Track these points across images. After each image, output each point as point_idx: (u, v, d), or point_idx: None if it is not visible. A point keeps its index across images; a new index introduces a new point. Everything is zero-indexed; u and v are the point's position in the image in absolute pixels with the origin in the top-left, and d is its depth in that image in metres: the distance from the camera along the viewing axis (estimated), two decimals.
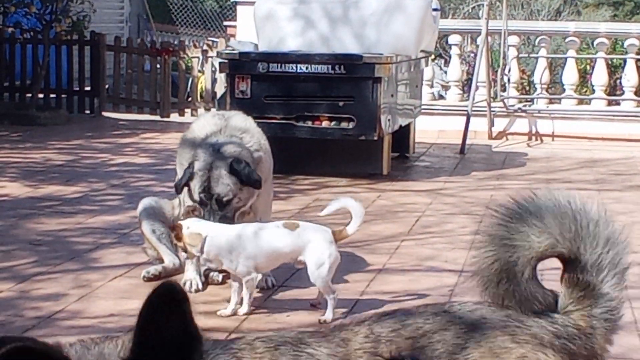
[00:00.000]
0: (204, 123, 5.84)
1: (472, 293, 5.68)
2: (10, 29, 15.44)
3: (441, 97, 14.76)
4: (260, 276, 5.45)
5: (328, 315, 5.18)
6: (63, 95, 15.29)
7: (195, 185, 5.58)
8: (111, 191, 8.46)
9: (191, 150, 5.69)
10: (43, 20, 14.28)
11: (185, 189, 5.64)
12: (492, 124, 12.98)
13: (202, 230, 5.17)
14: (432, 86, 14.22)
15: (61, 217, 7.46)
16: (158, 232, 5.98)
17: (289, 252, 5.25)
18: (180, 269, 5.86)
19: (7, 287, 5.61)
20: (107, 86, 15.46)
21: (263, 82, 9.31)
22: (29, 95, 14.67)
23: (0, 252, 6.39)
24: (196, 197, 5.59)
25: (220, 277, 5.82)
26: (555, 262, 2.58)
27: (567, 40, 13.85)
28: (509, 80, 13.53)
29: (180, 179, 5.69)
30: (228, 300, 5.46)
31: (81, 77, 15.25)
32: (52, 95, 15.24)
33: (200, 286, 5.64)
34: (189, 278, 5.66)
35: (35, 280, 5.75)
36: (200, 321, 4.95)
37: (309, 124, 9.32)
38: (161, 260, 5.95)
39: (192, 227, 5.19)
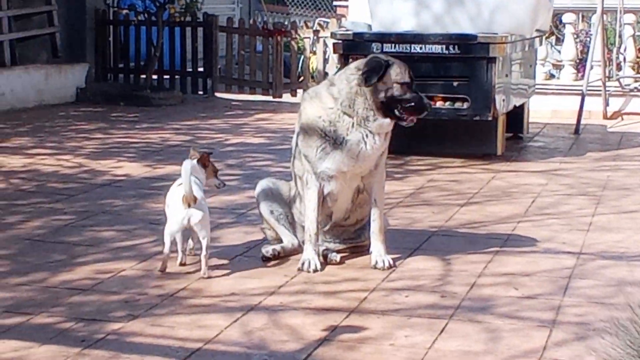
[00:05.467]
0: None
1: (591, 275, 5.69)
2: (124, 11, 15.72)
3: (552, 76, 14.57)
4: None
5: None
6: (176, 76, 15.50)
7: (402, 68, 5.68)
8: (228, 171, 8.55)
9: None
10: (157, 2, 14.49)
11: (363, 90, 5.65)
12: (607, 103, 12.77)
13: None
14: (543, 65, 14.04)
15: None
16: (276, 213, 6.05)
17: None
18: (298, 249, 5.92)
19: (130, 266, 5.73)
20: (219, 67, 15.63)
21: None
22: (143, 76, 14.90)
23: (122, 231, 6.53)
24: (406, 77, 5.65)
25: (338, 257, 5.87)
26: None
27: None
28: (624, 59, 13.29)
29: (370, 70, 5.60)
30: (347, 280, 5.51)
31: (194, 58, 15.44)
32: (165, 77, 15.46)
33: (318, 266, 5.68)
34: (307, 258, 5.71)
35: (157, 259, 5.84)
36: (320, 301, 5.07)
37: None
38: (279, 241, 6.02)
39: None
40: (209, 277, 5.48)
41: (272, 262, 5.84)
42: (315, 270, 5.65)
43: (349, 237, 6.06)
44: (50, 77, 13.86)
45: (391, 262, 5.77)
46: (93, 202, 7.46)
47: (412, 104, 5.69)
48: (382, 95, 5.63)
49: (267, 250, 5.92)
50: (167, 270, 5.62)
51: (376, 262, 5.74)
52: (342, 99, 5.65)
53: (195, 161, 5.70)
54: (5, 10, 13.57)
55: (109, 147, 10.10)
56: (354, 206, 5.90)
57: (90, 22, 15.04)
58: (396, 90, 5.64)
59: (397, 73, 5.65)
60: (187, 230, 5.62)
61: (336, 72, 9.82)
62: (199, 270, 5.56)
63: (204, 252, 5.51)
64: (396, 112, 5.68)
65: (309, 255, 5.72)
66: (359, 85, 5.63)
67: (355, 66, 5.74)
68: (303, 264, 5.69)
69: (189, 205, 5.44)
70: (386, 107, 5.65)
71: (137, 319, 4.83)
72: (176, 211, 5.49)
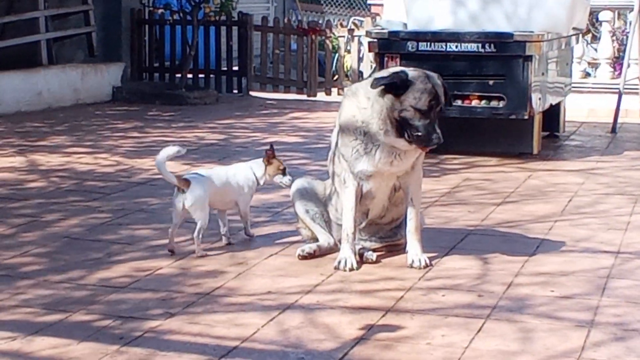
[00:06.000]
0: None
1: (630, 275, 5.64)
2: (160, 11, 15.77)
3: (588, 74, 14.49)
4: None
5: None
6: (211, 75, 15.55)
7: (424, 95, 5.46)
8: None
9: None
10: (192, 1, 14.52)
11: (378, 101, 5.53)
12: None
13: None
14: (580, 64, 13.97)
15: None
16: (312, 212, 6.05)
17: None
18: (334, 248, 5.92)
19: (167, 264, 5.75)
20: (254, 66, 15.66)
21: (412, 61, 9.23)
22: (178, 75, 14.95)
23: (159, 229, 6.54)
24: (422, 105, 5.45)
25: (374, 256, 5.86)
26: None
27: None
28: None
29: (386, 81, 5.48)
30: (383, 279, 5.50)
31: (229, 57, 15.47)
32: (200, 76, 15.51)
33: (354, 265, 5.67)
34: (344, 257, 5.70)
35: (194, 257, 5.88)
36: (356, 300, 5.07)
37: (459, 102, 9.26)
38: (315, 240, 6.02)
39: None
40: (204, 256, 5.88)
41: (308, 261, 5.84)
42: (352, 269, 5.65)
43: (385, 235, 6.05)
44: (86, 77, 13.94)
45: (427, 261, 5.75)
46: (129, 200, 7.50)
47: (419, 133, 5.51)
48: (396, 113, 5.49)
49: (303, 249, 5.92)
50: (204, 269, 5.65)
51: (412, 261, 5.72)
52: (373, 100, 5.61)
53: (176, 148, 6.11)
54: (42, 10, 13.66)
55: (145, 145, 10.14)
56: (391, 204, 5.89)
57: (126, 22, 15.11)
58: (409, 114, 5.48)
59: (414, 97, 5.46)
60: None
61: (372, 72, 9.87)
62: (234, 267, 5.59)
63: (195, 233, 5.89)
64: (406, 136, 5.54)
65: (346, 254, 5.72)
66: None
67: (390, 71, 5.69)
68: (339, 262, 5.68)
69: (183, 191, 5.88)
70: (399, 126, 5.53)
71: (174, 317, 4.84)
72: (174, 197, 5.96)
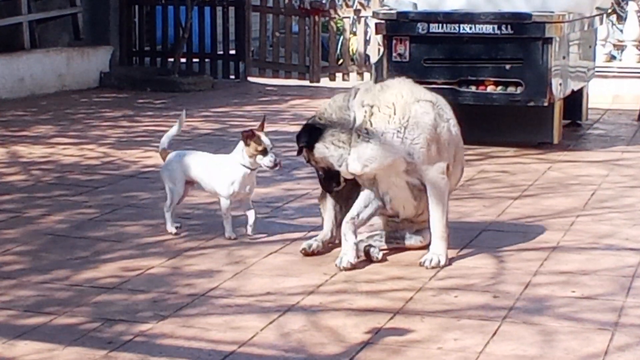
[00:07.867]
0: None
1: None
2: None
3: (613, 57, 14.48)
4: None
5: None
6: (206, 60, 15.55)
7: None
8: None
9: None
10: None
11: None
12: None
13: None
14: (604, 46, 13.98)
15: None
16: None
17: None
18: (332, 242, 5.98)
19: (159, 263, 5.77)
20: (252, 49, 15.67)
21: (423, 44, 9.32)
22: (171, 60, 14.96)
23: (150, 226, 6.57)
24: None
25: (380, 254, 5.86)
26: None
27: None
28: None
29: None
30: (391, 279, 5.52)
31: (225, 40, 15.47)
32: (194, 60, 15.51)
33: (350, 262, 5.66)
34: (341, 255, 5.71)
35: (187, 256, 5.91)
36: (362, 302, 5.07)
37: (473, 88, 9.29)
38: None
39: None
40: (176, 233, 6.32)
41: (311, 260, 5.85)
42: (346, 269, 5.63)
43: (402, 236, 6.04)
44: (72, 61, 13.96)
45: (440, 260, 5.71)
46: (118, 194, 7.52)
47: None
48: None
49: (310, 244, 5.92)
50: (198, 268, 5.67)
51: (424, 260, 5.72)
52: None
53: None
54: None
55: (134, 135, 10.17)
56: (422, 202, 5.87)
57: (115, 2, 15.11)
58: None
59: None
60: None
61: (380, 57, 9.88)
62: (231, 266, 5.63)
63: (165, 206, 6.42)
64: None
65: (343, 250, 5.72)
66: None
67: None
68: (341, 259, 5.67)
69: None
70: None
71: (167, 319, 4.86)
72: None
